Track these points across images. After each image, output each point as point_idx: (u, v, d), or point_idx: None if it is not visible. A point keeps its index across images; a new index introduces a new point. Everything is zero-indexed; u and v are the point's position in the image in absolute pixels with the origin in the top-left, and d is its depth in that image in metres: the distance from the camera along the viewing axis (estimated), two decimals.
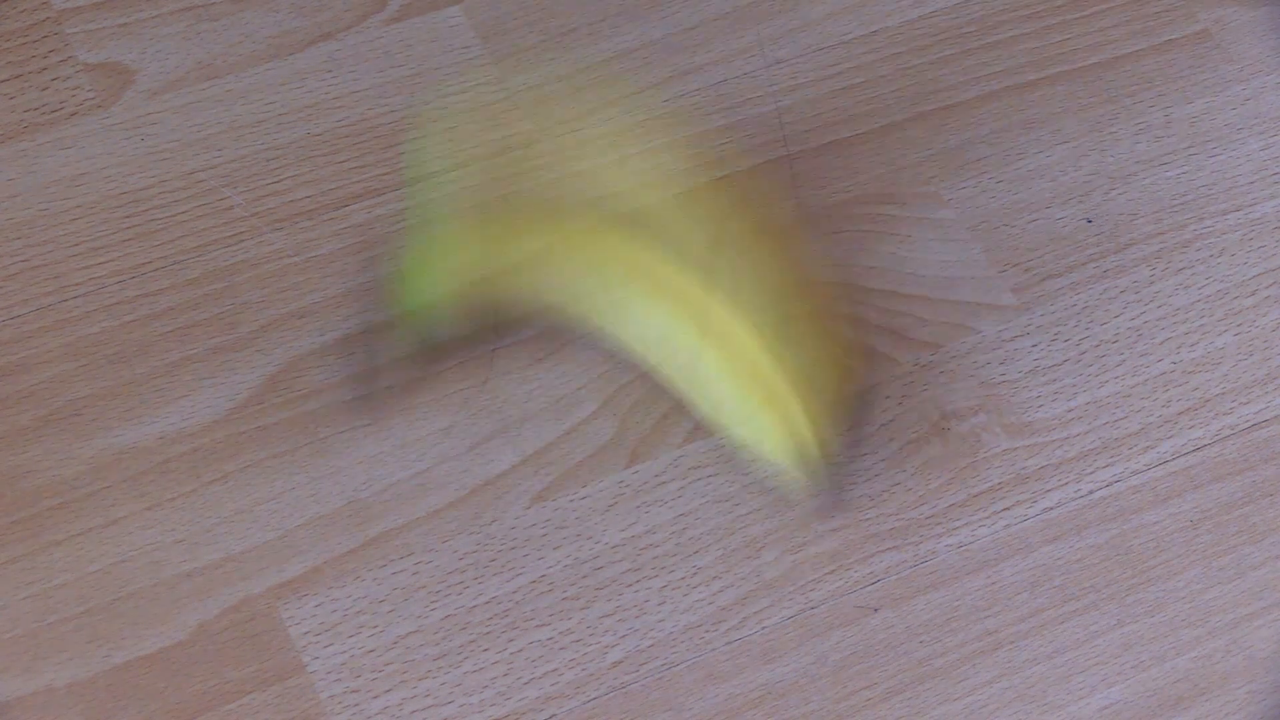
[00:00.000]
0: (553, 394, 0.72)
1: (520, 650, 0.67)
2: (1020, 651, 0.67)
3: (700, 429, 0.71)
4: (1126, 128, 0.80)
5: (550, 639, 0.67)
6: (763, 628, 0.68)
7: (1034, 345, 0.74)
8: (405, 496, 0.69)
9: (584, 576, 0.68)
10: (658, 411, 0.72)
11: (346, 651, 0.66)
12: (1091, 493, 0.71)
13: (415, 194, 0.72)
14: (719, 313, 0.66)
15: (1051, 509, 0.70)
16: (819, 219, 0.76)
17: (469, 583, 0.68)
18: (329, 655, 0.66)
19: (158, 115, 0.77)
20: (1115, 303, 0.75)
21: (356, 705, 0.65)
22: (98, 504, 0.68)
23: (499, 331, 0.73)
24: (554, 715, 0.66)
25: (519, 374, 0.72)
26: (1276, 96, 0.81)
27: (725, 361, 0.66)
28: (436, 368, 0.72)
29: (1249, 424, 0.73)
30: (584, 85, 0.79)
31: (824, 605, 0.68)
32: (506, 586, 0.68)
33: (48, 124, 0.77)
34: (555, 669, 0.66)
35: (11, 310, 0.72)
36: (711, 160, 0.78)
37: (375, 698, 0.65)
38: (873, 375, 0.72)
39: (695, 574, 0.68)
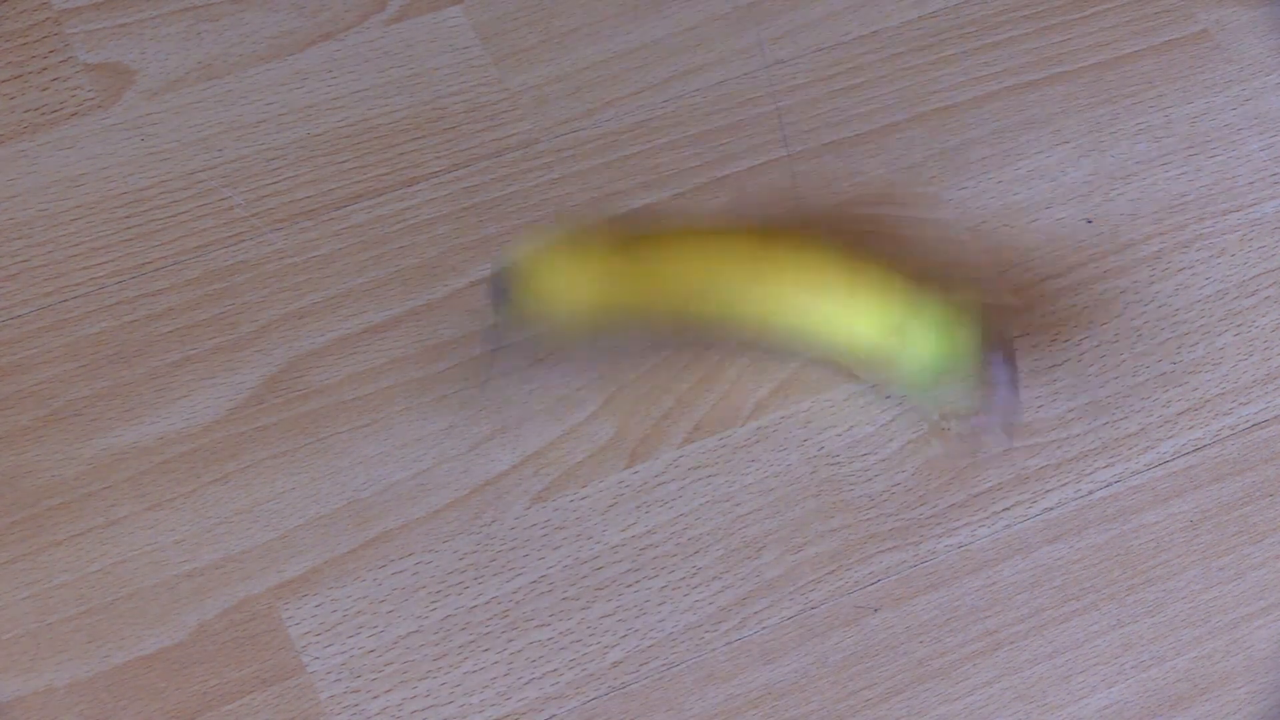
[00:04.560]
0: (553, 394, 0.72)
1: (520, 650, 0.67)
2: (1020, 651, 0.67)
3: (700, 429, 0.71)
4: (1126, 128, 0.80)
5: (550, 639, 0.67)
6: (763, 628, 0.68)
7: (1034, 345, 0.74)
8: (405, 496, 0.69)
9: (584, 576, 0.68)
10: (658, 411, 0.72)
11: (346, 651, 0.66)
12: (1091, 493, 0.71)
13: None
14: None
15: (1051, 509, 0.70)
16: (819, 219, 0.76)
17: (469, 583, 0.68)
18: (329, 655, 0.66)
19: (158, 115, 0.77)
20: (1115, 303, 0.75)
21: (356, 705, 0.65)
22: (98, 504, 0.68)
23: (499, 331, 0.73)
24: (554, 715, 0.66)
25: (519, 374, 0.72)
26: (1276, 96, 0.81)
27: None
28: (436, 367, 0.72)
29: (1249, 424, 0.73)
30: (584, 85, 0.79)
31: (824, 605, 0.68)
32: (506, 586, 0.68)
33: (48, 124, 0.77)
34: (555, 669, 0.66)
35: (11, 310, 0.72)
36: (711, 160, 0.78)
37: (375, 698, 0.65)
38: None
39: (695, 574, 0.68)
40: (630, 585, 0.68)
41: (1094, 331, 0.74)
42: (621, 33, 0.81)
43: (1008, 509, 0.70)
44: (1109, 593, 0.69)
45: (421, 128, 0.78)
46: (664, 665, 0.67)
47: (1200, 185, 0.78)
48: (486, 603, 0.67)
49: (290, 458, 0.70)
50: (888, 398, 0.72)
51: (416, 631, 0.67)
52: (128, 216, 0.75)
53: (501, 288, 0.69)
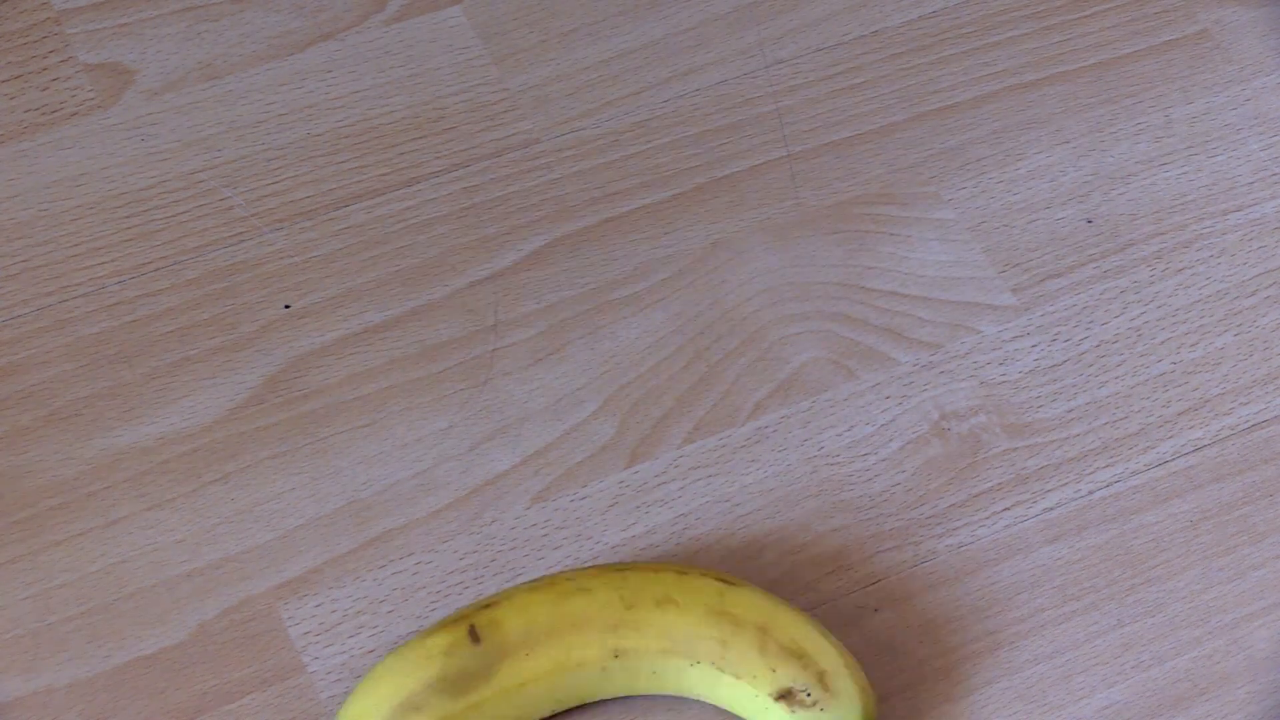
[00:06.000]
0: (553, 394, 0.72)
1: None
2: (1020, 651, 0.67)
3: (700, 429, 0.71)
4: (1126, 128, 0.80)
5: None
6: None
7: (1034, 345, 0.74)
8: (405, 496, 0.69)
9: None
10: (658, 411, 0.72)
11: (346, 651, 0.66)
12: (1091, 493, 0.71)
13: None
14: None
15: (1051, 509, 0.70)
16: (819, 219, 0.76)
17: (469, 583, 0.68)
18: (329, 655, 0.66)
19: (158, 115, 0.77)
20: (1115, 303, 0.75)
21: None
22: (98, 504, 0.68)
23: (499, 331, 0.73)
24: (555, 715, 0.65)
25: (519, 374, 0.72)
26: (1276, 96, 0.81)
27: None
28: (436, 367, 0.72)
29: (1249, 424, 0.73)
30: (584, 85, 0.79)
31: (824, 605, 0.68)
32: (506, 586, 0.68)
33: (48, 124, 0.77)
34: None
35: (11, 310, 0.72)
36: (711, 160, 0.78)
37: None
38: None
39: None
40: None
41: (1094, 331, 0.74)
42: (621, 33, 0.81)
43: (1008, 509, 0.70)
44: (1109, 593, 0.69)
45: (421, 128, 0.78)
46: None
47: (1200, 185, 0.78)
48: None
49: (290, 458, 0.70)
50: (887, 398, 0.72)
51: (416, 631, 0.67)
52: (128, 216, 0.75)
53: None
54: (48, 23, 0.79)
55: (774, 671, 0.62)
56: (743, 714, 0.63)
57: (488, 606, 0.62)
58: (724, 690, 0.62)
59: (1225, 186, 0.78)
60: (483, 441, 0.71)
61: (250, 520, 0.69)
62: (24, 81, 0.78)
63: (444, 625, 0.62)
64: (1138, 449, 0.72)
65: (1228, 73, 0.81)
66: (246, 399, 0.71)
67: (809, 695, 0.61)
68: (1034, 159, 0.79)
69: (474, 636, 0.61)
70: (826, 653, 0.62)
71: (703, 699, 0.63)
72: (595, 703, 0.64)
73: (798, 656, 0.62)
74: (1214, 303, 0.75)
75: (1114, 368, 0.74)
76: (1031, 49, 0.81)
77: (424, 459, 0.70)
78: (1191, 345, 0.74)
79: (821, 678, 0.62)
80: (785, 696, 0.61)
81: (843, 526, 0.69)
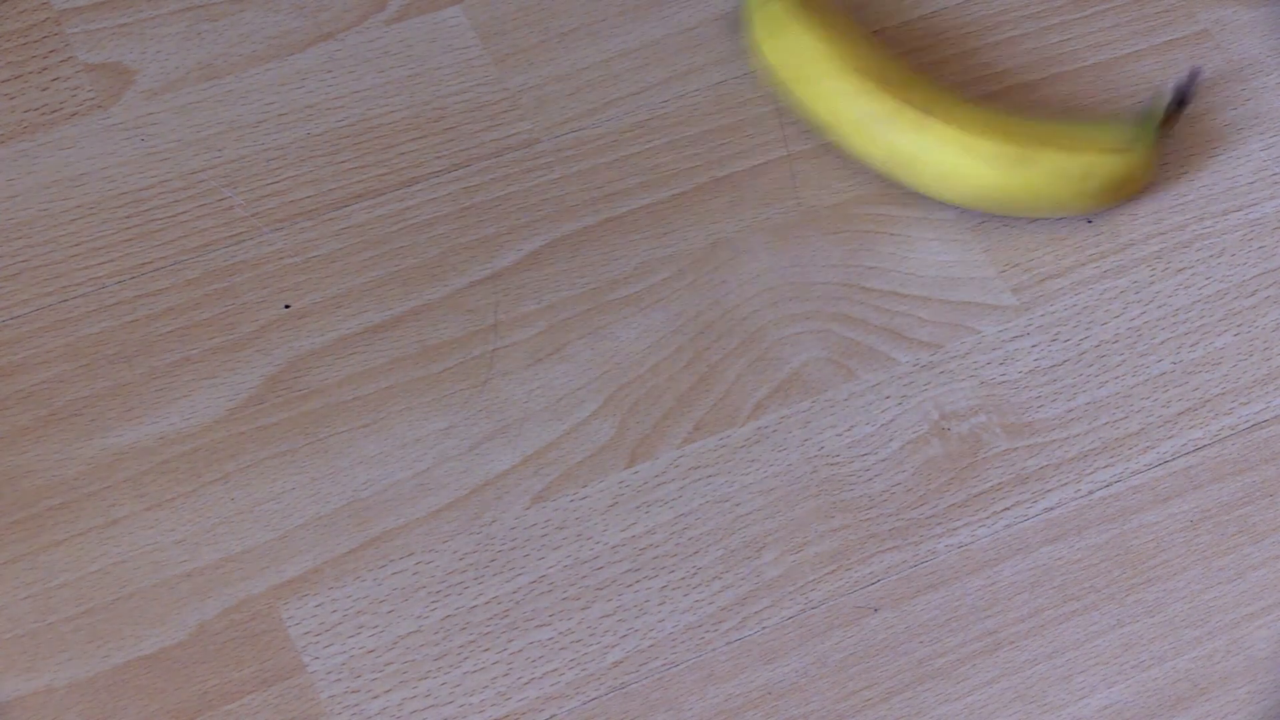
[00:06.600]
0: (553, 394, 0.72)
1: (520, 650, 0.67)
2: (1020, 651, 0.67)
3: (700, 429, 0.71)
4: None
5: (550, 639, 0.67)
6: (763, 628, 0.68)
7: (1034, 345, 0.74)
8: (405, 496, 0.69)
9: (584, 576, 0.68)
10: (658, 411, 0.72)
11: (346, 651, 0.66)
12: (1091, 493, 0.71)
13: None
14: None
15: (1051, 509, 0.70)
16: (819, 219, 0.76)
17: (469, 583, 0.68)
18: (329, 655, 0.66)
19: (158, 115, 0.77)
20: (1115, 303, 0.75)
21: (356, 705, 0.65)
22: (98, 504, 0.68)
23: (499, 331, 0.73)
24: (554, 715, 0.66)
25: (519, 374, 0.72)
26: (1276, 96, 0.81)
27: None
28: (436, 367, 0.72)
29: (1249, 424, 0.73)
30: (584, 85, 0.79)
31: (824, 605, 0.68)
32: (506, 586, 0.68)
33: (48, 124, 0.77)
34: (555, 669, 0.66)
35: (11, 310, 0.72)
36: (711, 160, 0.78)
37: (375, 698, 0.65)
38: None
39: (695, 574, 0.68)
40: (630, 585, 0.68)
41: (1094, 331, 0.74)
42: (621, 33, 0.81)
43: (1008, 509, 0.70)
44: (1109, 593, 0.69)
45: (421, 128, 0.78)
46: (664, 665, 0.67)
47: (1200, 185, 0.78)
48: (486, 603, 0.67)
49: (290, 458, 0.70)
50: (887, 398, 0.72)
51: (416, 631, 0.67)
52: (128, 216, 0.75)
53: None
54: (48, 23, 0.79)
55: None
56: None
57: None
58: None
59: (1225, 186, 0.78)
60: (483, 441, 0.71)
61: (250, 520, 0.69)
62: (24, 81, 0.78)
63: None
64: (1138, 449, 0.72)
65: (1228, 73, 0.81)
66: (246, 399, 0.71)
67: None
68: None
69: None
70: None
71: None
72: None
73: None
74: (1214, 303, 0.75)
75: (1114, 368, 0.74)
76: (1031, 49, 0.81)
77: (424, 459, 0.70)
78: (1191, 345, 0.74)
79: None
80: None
81: (843, 526, 0.69)
